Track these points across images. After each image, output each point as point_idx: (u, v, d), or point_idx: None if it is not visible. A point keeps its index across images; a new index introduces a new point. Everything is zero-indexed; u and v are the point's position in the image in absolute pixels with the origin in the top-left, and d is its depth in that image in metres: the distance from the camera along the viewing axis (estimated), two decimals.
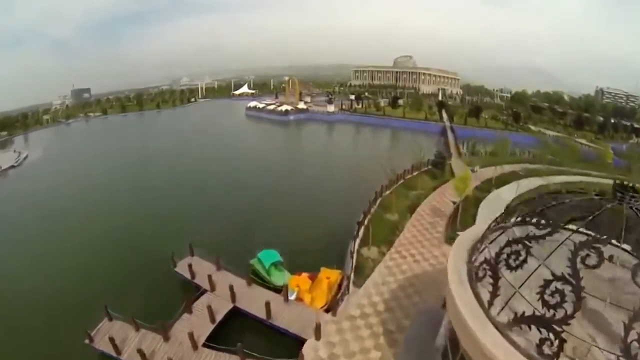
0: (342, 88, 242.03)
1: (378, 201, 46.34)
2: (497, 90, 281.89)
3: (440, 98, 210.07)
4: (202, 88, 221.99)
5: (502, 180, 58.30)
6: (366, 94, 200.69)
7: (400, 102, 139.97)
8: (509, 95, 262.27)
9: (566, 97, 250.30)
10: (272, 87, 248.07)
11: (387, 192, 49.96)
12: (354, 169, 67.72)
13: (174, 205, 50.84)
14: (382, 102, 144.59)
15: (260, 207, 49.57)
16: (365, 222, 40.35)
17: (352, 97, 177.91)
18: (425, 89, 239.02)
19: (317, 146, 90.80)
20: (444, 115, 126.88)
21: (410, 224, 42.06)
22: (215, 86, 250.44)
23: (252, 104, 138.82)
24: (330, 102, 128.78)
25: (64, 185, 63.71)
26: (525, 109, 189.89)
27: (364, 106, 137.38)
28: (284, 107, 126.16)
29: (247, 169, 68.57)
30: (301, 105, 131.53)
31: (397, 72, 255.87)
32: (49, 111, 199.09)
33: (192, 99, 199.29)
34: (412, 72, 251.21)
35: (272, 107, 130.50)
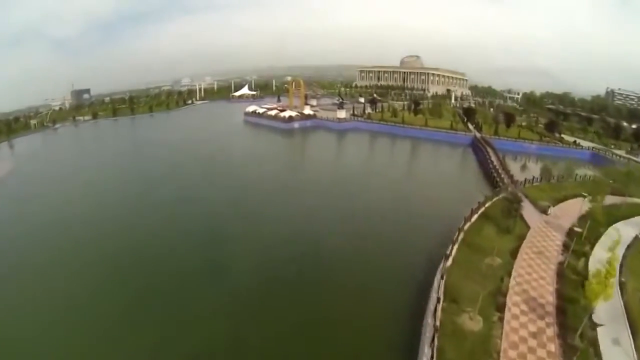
0: (347, 89, 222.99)
1: (441, 285, 28.15)
2: (504, 92, 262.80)
3: (453, 100, 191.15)
4: (200, 89, 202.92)
5: (591, 229, 39.94)
6: (375, 95, 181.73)
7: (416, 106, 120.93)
8: (518, 96, 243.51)
9: (575, 99, 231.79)
10: (274, 87, 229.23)
11: (449, 261, 31.76)
12: (386, 211, 48.78)
13: (121, 296, 31.06)
14: (397, 106, 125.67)
15: (249, 302, 30.36)
16: (434, 345, 22.35)
17: (362, 99, 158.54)
18: (434, 89, 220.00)
19: (330, 169, 70.36)
20: (469, 123, 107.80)
21: (505, 341, 23.99)
22: (215, 87, 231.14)
23: (251, 108, 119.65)
24: (341, 107, 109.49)
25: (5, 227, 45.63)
26: (543, 112, 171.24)
27: (376, 111, 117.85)
28: (287, 113, 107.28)
29: (235, 220, 46.28)
30: (307, 111, 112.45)
31: (404, 72, 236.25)
32: (39, 114, 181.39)
33: (189, 101, 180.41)
34: (420, 73, 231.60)
35: (273, 112, 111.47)
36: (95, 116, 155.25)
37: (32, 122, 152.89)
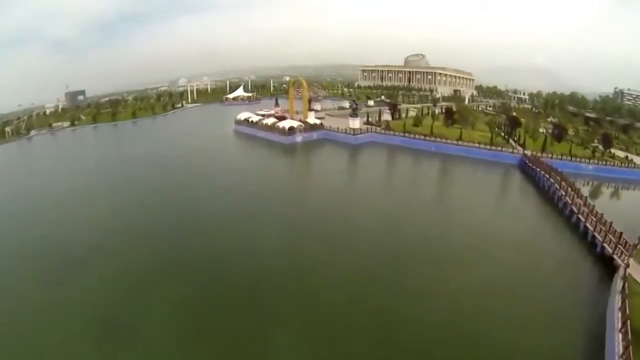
0: (351, 89, 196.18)
1: None
2: (510, 91, 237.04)
3: (466, 102, 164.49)
4: (192, 91, 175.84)
5: None
6: (382, 97, 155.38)
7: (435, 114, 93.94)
8: (525, 97, 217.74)
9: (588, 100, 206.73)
10: (271, 88, 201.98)
11: None
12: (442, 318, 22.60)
13: None
14: (412, 111, 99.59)
15: None
16: None
17: (371, 102, 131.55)
18: (441, 90, 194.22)
19: (354, 214, 41.71)
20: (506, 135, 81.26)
21: None
22: (209, 88, 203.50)
23: (244, 115, 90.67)
24: (354, 114, 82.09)
25: None
26: (566, 117, 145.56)
27: (394, 118, 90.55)
28: (287, 123, 78.55)
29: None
30: (312, 119, 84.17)
31: (409, 71, 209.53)
32: (19, 119, 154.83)
33: (179, 105, 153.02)
34: (426, 72, 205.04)
35: (270, 121, 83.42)
36: (73, 123, 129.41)
37: (7, 129, 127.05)
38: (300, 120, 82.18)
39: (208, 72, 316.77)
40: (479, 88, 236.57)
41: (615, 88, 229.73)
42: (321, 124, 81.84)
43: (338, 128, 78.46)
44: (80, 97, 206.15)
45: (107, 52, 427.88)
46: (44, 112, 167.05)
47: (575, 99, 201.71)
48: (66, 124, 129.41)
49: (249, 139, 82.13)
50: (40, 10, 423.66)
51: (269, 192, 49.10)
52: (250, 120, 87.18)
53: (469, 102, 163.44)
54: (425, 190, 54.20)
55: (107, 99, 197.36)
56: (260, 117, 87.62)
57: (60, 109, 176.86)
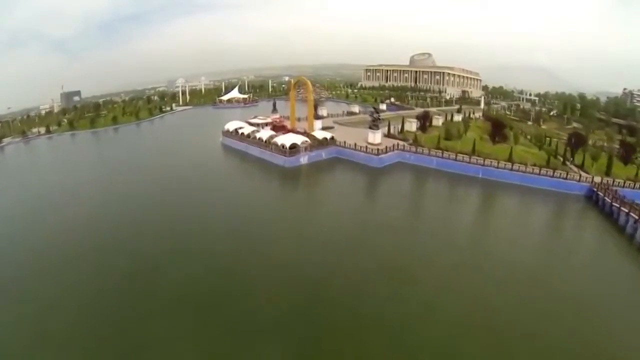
0: (355, 90, 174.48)
1: None
2: (515, 91, 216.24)
3: (482, 105, 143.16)
4: (183, 92, 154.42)
5: None
6: (392, 99, 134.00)
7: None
8: (535, 98, 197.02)
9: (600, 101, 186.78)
10: (270, 89, 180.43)
11: None
12: None
13: None
14: (437, 118, 78.43)
15: None
16: None
17: (383, 106, 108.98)
18: (450, 91, 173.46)
19: (389, 291, 23.38)
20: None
21: None
22: (203, 89, 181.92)
23: (233, 125, 67.69)
24: (374, 126, 59.63)
25: None
26: (593, 124, 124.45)
27: (424, 130, 68.49)
28: (288, 139, 55.81)
29: None
30: (319, 132, 61.71)
31: (416, 71, 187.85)
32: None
33: (167, 108, 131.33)
34: (434, 72, 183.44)
35: (266, 134, 60.95)
36: (48, 130, 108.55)
37: None
38: (304, 133, 60.60)
39: (207, 72, 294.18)
40: (484, 89, 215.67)
41: (625, 89, 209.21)
42: (332, 137, 59.85)
43: (356, 145, 56.35)
44: (76, 98, 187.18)
45: (106, 52, 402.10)
46: (28, 115, 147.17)
47: (585, 101, 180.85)
48: (42, 130, 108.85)
49: (238, 158, 59.62)
50: (40, 10, 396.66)
51: (257, 255, 28.36)
52: (240, 132, 65.07)
53: (487, 105, 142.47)
54: (490, 243, 33.64)
55: (105, 99, 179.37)
56: (253, 128, 65.61)
57: (44, 112, 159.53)
